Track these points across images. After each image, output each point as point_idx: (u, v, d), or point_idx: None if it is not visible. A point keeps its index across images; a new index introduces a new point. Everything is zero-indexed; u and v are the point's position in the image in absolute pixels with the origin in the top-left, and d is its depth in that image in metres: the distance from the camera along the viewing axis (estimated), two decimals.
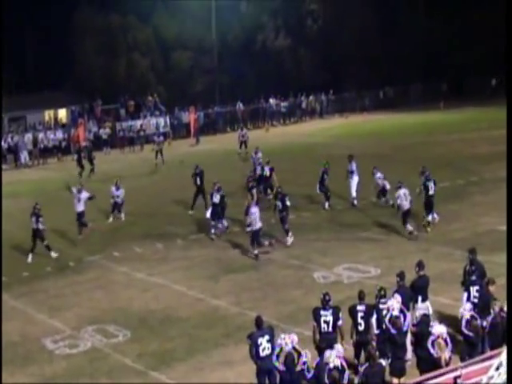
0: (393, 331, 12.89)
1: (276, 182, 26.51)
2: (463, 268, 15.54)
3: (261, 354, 12.43)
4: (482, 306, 13.71)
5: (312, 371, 11.87)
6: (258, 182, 27.34)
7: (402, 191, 22.01)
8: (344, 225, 24.12)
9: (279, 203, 22.39)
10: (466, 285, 14.67)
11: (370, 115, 54.00)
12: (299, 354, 12.05)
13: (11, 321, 17.35)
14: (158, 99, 50.67)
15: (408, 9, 59.51)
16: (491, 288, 13.95)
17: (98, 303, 18.53)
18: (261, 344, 12.44)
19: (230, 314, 17.29)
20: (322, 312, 13.30)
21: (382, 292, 13.65)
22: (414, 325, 13.21)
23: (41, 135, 43.18)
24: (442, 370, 11.51)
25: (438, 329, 12.28)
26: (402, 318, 13.07)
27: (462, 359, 12.43)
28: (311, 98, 54.53)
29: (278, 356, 12.20)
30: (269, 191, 27.24)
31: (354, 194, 26.26)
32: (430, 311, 14.48)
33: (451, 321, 14.42)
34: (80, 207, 23.89)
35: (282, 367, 12.12)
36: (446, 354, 12.10)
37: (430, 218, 22.68)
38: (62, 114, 49.84)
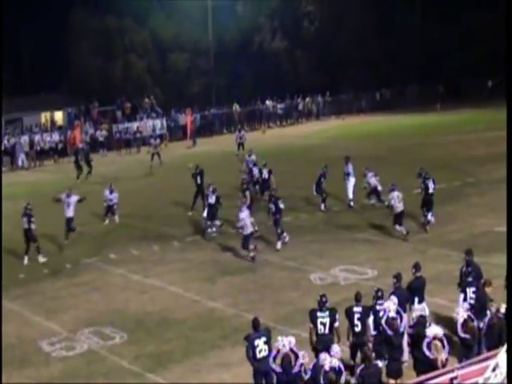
0: (389, 333, 12.89)
1: (274, 185, 26.50)
2: (460, 269, 15.51)
3: (258, 356, 12.43)
4: (479, 308, 13.68)
5: (309, 373, 11.88)
6: (255, 184, 27.31)
7: (396, 193, 22.01)
8: (341, 226, 24.13)
9: (272, 206, 22.24)
10: (463, 286, 14.61)
11: (366, 117, 53.93)
12: (296, 356, 12.06)
13: (8, 323, 17.27)
14: (155, 101, 50.71)
15: (404, 11, 59.58)
16: (488, 289, 13.95)
17: (95, 305, 18.50)
18: (258, 346, 12.45)
19: (226, 315, 17.27)
20: (319, 314, 13.30)
21: (379, 293, 13.66)
22: (410, 326, 13.20)
23: (37, 137, 43.08)
24: (438, 372, 11.51)
25: (434, 330, 12.27)
26: (399, 320, 13.09)
27: (459, 361, 12.44)
28: (308, 99, 54.52)
29: (274, 358, 12.20)
30: (266, 193, 27.22)
31: (350, 195, 26.28)
32: (427, 312, 14.45)
33: (448, 322, 14.41)
34: (70, 212, 23.37)
35: (278, 369, 12.12)
36: (442, 356, 12.09)
37: (429, 216, 22.68)
38: (59, 116, 49.84)
